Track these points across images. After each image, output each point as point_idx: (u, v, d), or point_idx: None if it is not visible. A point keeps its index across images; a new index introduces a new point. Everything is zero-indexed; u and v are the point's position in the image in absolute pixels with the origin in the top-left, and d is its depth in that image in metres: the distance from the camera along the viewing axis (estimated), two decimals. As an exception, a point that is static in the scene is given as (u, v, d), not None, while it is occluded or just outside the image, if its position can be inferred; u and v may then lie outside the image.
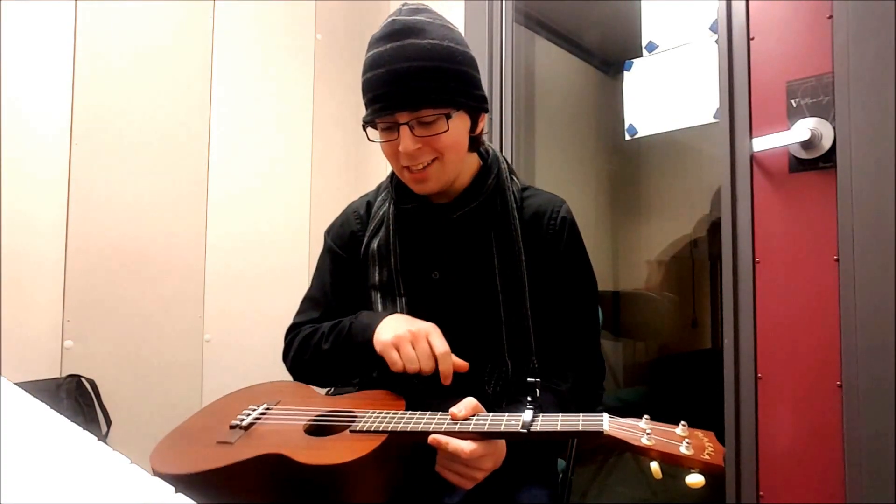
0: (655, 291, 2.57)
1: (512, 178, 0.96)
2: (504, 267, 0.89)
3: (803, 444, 1.16)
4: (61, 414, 0.63)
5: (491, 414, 0.73)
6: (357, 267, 0.98)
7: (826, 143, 1.15)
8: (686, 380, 2.30)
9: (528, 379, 0.74)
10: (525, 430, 0.67)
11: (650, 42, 1.62)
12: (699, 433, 0.65)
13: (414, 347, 0.78)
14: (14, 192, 1.39)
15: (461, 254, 0.91)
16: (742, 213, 1.25)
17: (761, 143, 1.22)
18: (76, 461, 0.49)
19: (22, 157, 1.40)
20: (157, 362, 1.60)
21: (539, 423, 0.68)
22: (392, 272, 0.93)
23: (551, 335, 0.91)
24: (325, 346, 0.90)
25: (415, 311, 0.91)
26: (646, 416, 0.67)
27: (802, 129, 1.16)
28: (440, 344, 0.79)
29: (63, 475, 0.46)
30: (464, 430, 0.70)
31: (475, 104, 0.85)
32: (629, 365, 2.60)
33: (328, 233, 1.04)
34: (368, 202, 1.01)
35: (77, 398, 1.41)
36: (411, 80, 0.78)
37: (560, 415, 0.69)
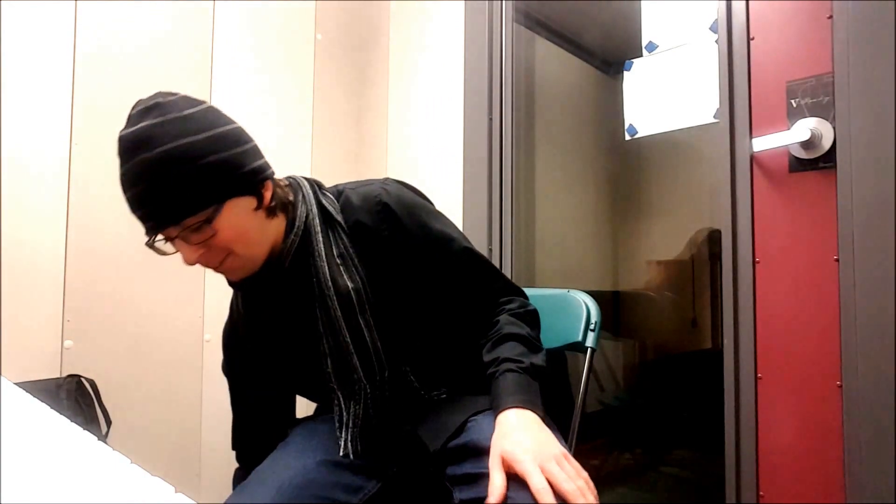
0: (655, 291, 2.57)
1: (322, 194, 0.90)
2: (338, 290, 0.85)
3: (803, 444, 1.16)
4: (61, 414, 0.63)
5: None
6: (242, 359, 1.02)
7: (826, 143, 1.15)
8: (686, 380, 2.30)
9: None
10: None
11: (650, 42, 1.62)
12: None
13: None
14: (14, 191, 1.39)
15: (307, 297, 0.87)
16: (742, 213, 1.25)
17: (761, 143, 1.22)
18: (76, 461, 0.49)
19: (22, 156, 1.40)
20: (157, 362, 1.60)
21: None
22: (274, 350, 0.94)
23: (460, 305, 0.90)
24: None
25: (309, 377, 0.92)
26: None
27: (802, 129, 1.16)
28: None
29: (63, 475, 0.45)
30: None
31: (246, 183, 0.78)
32: (629, 365, 2.60)
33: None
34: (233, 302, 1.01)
35: (77, 398, 1.41)
36: (156, 200, 0.74)
37: None
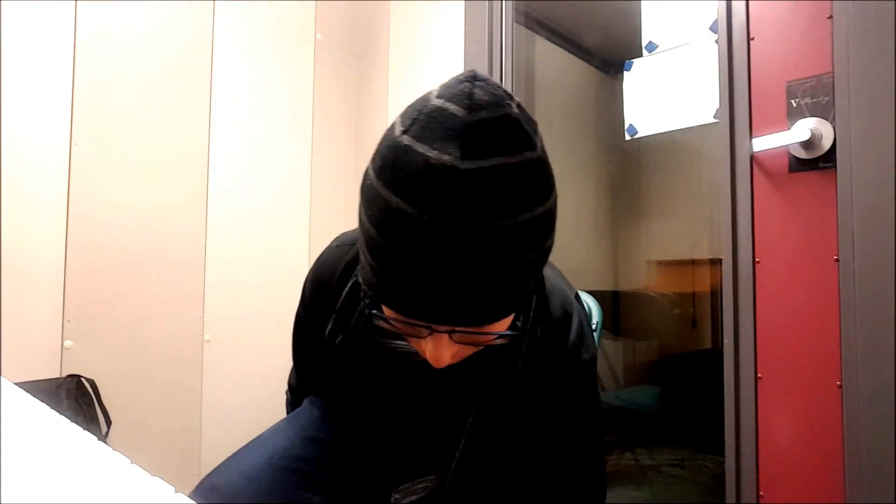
0: (655, 291, 2.57)
1: (541, 309, 0.66)
2: (484, 407, 0.68)
3: (803, 444, 1.16)
4: (61, 414, 0.62)
5: None
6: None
7: (826, 143, 1.15)
8: (686, 379, 2.31)
9: None
10: None
11: (650, 42, 1.62)
12: None
13: None
14: (14, 191, 1.39)
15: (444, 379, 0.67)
16: (742, 213, 1.25)
17: (761, 143, 1.22)
18: (76, 461, 0.49)
19: (22, 156, 1.40)
20: (157, 362, 1.60)
21: None
22: (363, 381, 0.74)
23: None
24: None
25: (385, 418, 0.76)
26: None
27: (802, 129, 1.16)
28: None
29: (63, 475, 0.45)
30: None
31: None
32: (629, 364, 2.61)
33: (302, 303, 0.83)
34: (347, 274, 0.73)
35: (77, 398, 1.41)
36: (478, 301, 0.46)
37: None
